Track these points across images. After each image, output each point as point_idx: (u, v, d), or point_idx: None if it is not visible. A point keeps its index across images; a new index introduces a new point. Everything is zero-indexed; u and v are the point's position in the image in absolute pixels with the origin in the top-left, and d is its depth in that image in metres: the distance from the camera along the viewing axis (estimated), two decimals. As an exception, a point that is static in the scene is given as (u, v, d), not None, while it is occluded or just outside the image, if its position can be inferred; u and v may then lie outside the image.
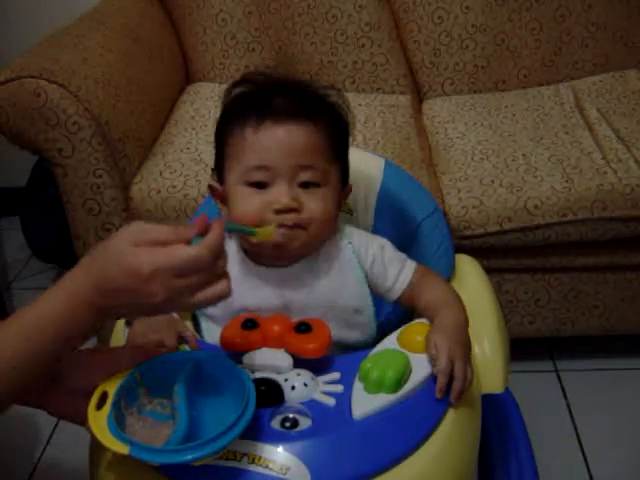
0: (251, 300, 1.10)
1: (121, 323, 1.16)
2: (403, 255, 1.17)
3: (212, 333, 1.11)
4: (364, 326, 1.15)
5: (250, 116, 1.07)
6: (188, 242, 0.83)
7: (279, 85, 1.12)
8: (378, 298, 1.17)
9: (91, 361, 0.96)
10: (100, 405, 0.89)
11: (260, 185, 1.06)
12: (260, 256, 1.12)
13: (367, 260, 1.14)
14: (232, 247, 1.14)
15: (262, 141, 1.05)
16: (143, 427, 0.90)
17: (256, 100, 1.09)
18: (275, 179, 1.05)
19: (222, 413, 0.87)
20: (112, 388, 0.91)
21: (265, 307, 1.09)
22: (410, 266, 1.15)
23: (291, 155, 1.05)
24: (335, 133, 1.11)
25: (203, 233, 0.84)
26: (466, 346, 1.00)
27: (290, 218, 1.05)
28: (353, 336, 1.14)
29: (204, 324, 1.15)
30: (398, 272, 1.14)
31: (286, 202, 1.04)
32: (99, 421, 0.87)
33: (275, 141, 1.05)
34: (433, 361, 0.97)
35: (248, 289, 1.11)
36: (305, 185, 1.07)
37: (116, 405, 0.89)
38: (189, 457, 0.83)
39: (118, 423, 0.87)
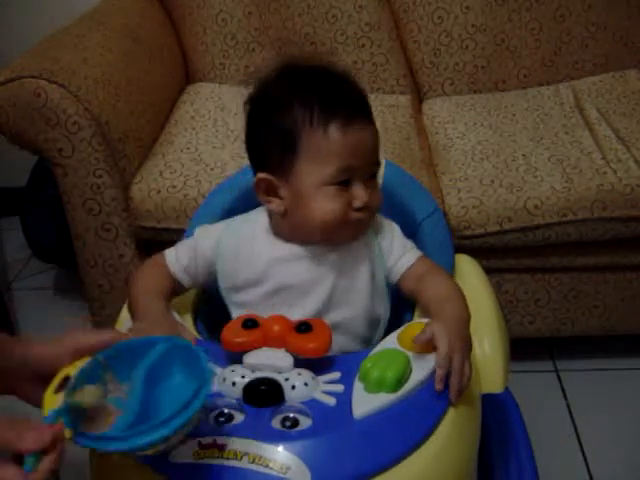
0: (284, 278, 1.13)
1: (124, 314, 1.16)
2: (410, 242, 1.19)
3: None
4: (381, 293, 1.17)
5: (334, 117, 1.06)
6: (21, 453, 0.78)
7: (336, 79, 1.12)
8: None
9: (57, 346, 0.93)
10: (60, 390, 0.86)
11: (343, 183, 1.08)
12: (289, 234, 1.14)
13: (378, 236, 1.17)
14: (260, 226, 1.17)
15: (351, 144, 1.07)
16: (103, 413, 0.86)
17: (329, 97, 1.08)
18: (355, 177, 1.08)
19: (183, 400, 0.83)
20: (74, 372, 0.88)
21: (297, 283, 1.12)
22: (413, 253, 1.17)
23: (370, 155, 1.10)
24: None
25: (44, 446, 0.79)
26: (466, 342, 1.00)
27: (367, 214, 1.11)
28: (378, 304, 1.16)
29: (235, 312, 1.16)
30: (400, 255, 1.16)
31: (366, 200, 1.08)
32: (53, 404, 0.83)
33: (362, 143, 1.08)
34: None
35: (280, 268, 1.13)
36: (370, 177, 1.12)
37: (75, 389, 0.85)
38: (131, 444, 0.79)
39: (75, 407, 0.83)
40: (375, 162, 1.12)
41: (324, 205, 1.08)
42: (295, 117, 1.07)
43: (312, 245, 1.13)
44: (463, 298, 1.09)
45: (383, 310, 1.17)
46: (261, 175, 1.11)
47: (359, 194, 1.08)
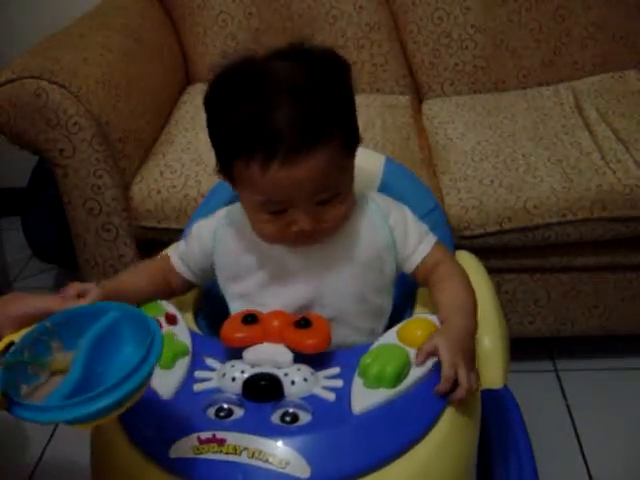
0: (280, 265, 1.10)
1: None
2: (424, 227, 1.15)
3: None
4: (387, 284, 1.14)
5: (255, 151, 0.96)
6: None
7: (278, 88, 0.99)
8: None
9: (3, 309, 0.90)
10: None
11: (276, 212, 1.02)
12: None
13: (390, 223, 1.12)
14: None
15: (275, 182, 0.97)
16: (48, 381, 0.83)
17: (255, 123, 0.97)
18: (291, 206, 1.01)
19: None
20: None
21: (293, 270, 1.10)
22: (429, 240, 1.13)
23: (307, 189, 0.99)
24: (345, 126, 1.05)
25: None
26: (467, 355, 0.99)
27: (310, 235, 1.03)
28: (383, 295, 1.14)
29: (234, 305, 1.15)
30: (416, 244, 1.12)
31: (306, 228, 1.01)
32: None
33: (287, 182, 0.97)
34: (418, 354, 0.98)
35: (278, 254, 1.09)
36: (323, 201, 1.02)
37: (17, 355, 0.82)
38: (52, 417, 0.75)
39: (15, 375, 0.80)
40: (319, 191, 1.00)
41: (260, 226, 1.05)
42: (227, 139, 1.02)
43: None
44: (474, 306, 1.08)
45: (388, 301, 1.15)
46: (219, 173, 1.09)
47: (297, 221, 1.01)
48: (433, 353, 0.97)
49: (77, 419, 0.75)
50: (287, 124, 0.96)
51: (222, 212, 1.18)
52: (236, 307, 1.14)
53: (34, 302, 0.90)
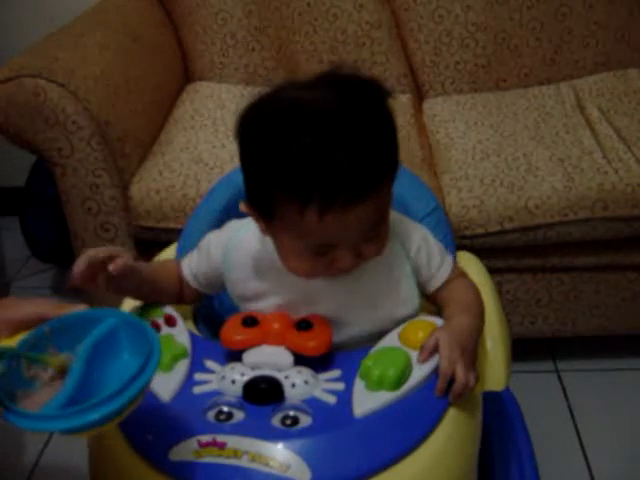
0: (296, 292, 1.06)
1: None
2: (442, 247, 1.13)
3: None
4: (407, 300, 1.10)
5: (313, 195, 0.90)
6: None
7: (330, 126, 0.91)
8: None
9: (3, 313, 0.88)
10: None
11: (322, 252, 0.97)
12: None
13: (412, 249, 1.09)
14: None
15: (331, 228, 0.92)
16: (44, 388, 0.81)
17: (313, 164, 0.89)
18: (338, 246, 0.96)
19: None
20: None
21: (309, 297, 1.06)
22: (447, 265, 1.11)
23: (359, 230, 0.96)
24: (395, 162, 0.99)
25: None
26: (466, 352, 0.97)
27: (349, 270, 1.00)
28: (401, 311, 1.10)
29: None
30: (438, 266, 1.10)
31: (348, 267, 0.98)
32: None
33: (343, 226, 0.93)
34: (422, 351, 0.97)
35: (293, 281, 1.04)
36: (368, 238, 0.99)
37: (13, 361, 0.81)
38: (58, 425, 0.74)
39: (10, 381, 0.79)
40: (369, 230, 0.97)
41: (298, 265, 1.00)
42: (272, 178, 0.93)
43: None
44: (480, 309, 1.07)
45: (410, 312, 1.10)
46: (242, 206, 1.01)
47: (340, 259, 0.97)
48: (435, 349, 0.97)
49: (72, 429, 0.75)
50: (346, 168, 0.90)
51: (233, 229, 1.13)
52: None
53: (30, 307, 0.89)
